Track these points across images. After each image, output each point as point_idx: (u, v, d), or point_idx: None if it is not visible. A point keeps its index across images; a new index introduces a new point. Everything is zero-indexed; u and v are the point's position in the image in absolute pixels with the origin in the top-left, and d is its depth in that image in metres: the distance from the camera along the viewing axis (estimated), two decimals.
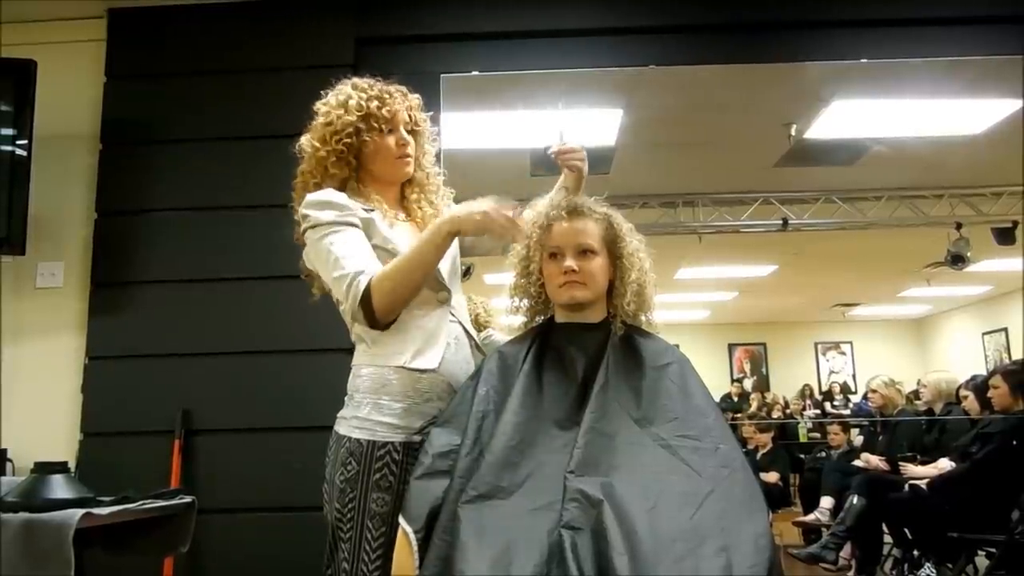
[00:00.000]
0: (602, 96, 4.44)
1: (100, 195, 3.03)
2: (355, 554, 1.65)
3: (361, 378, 1.73)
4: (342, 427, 1.72)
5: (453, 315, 1.81)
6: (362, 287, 1.63)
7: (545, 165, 1.90)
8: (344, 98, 1.80)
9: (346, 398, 1.76)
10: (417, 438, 1.69)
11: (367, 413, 1.69)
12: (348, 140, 1.77)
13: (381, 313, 1.65)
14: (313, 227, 1.71)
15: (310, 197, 1.73)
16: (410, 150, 1.85)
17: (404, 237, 1.78)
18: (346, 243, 1.68)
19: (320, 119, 1.81)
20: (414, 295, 1.71)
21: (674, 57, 3.26)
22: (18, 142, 2.82)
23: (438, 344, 1.74)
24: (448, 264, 1.82)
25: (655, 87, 4.40)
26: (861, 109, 4.77)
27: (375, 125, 1.78)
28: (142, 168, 3.05)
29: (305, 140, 1.82)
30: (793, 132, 5.07)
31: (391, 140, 1.81)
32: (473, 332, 1.87)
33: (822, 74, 4.21)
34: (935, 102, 4.65)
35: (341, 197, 1.73)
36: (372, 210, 1.77)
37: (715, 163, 5.78)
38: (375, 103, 1.79)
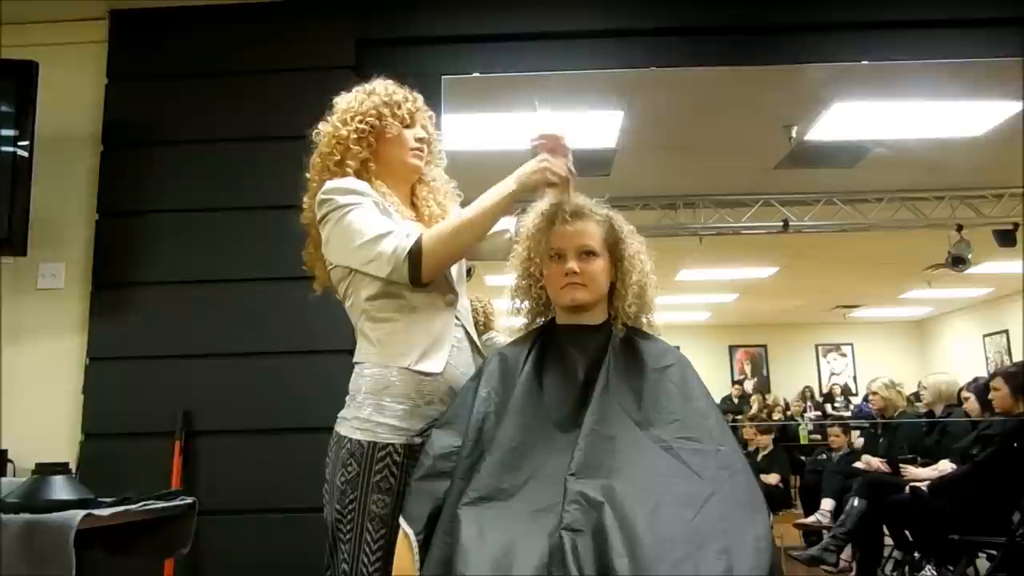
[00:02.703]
0: (603, 98, 4.44)
1: (101, 196, 3.03)
2: (355, 555, 1.65)
3: (364, 378, 1.73)
4: (343, 428, 1.72)
5: (458, 318, 1.81)
6: (411, 241, 1.63)
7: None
8: (371, 87, 1.85)
9: (347, 398, 1.76)
10: (418, 440, 1.69)
11: (368, 414, 1.69)
12: (371, 120, 1.80)
13: (429, 268, 1.65)
14: (334, 209, 1.71)
15: (330, 184, 1.74)
16: (426, 147, 1.88)
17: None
18: (371, 214, 1.69)
19: (341, 105, 1.84)
20: (463, 256, 1.75)
21: (675, 59, 3.26)
22: (20, 143, 2.82)
23: (443, 348, 1.75)
24: (455, 267, 1.83)
25: (656, 89, 4.40)
26: (862, 111, 4.77)
27: (397, 113, 1.82)
28: (143, 169, 3.05)
29: (323, 125, 1.85)
30: (794, 134, 5.07)
31: (409, 133, 1.84)
32: (475, 336, 1.88)
33: (823, 76, 4.21)
34: (936, 104, 4.65)
35: (362, 185, 1.74)
36: (389, 204, 1.78)
37: (716, 165, 5.78)
38: (399, 96, 1.84)
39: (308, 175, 1.85)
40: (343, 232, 1.70)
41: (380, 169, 1.83)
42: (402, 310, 1.73)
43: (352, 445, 1.68)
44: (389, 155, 1.83)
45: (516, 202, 1.72)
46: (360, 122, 1.79)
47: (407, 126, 1.84)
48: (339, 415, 1.75)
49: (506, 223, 2.00)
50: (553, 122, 1.82)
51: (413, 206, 1.90)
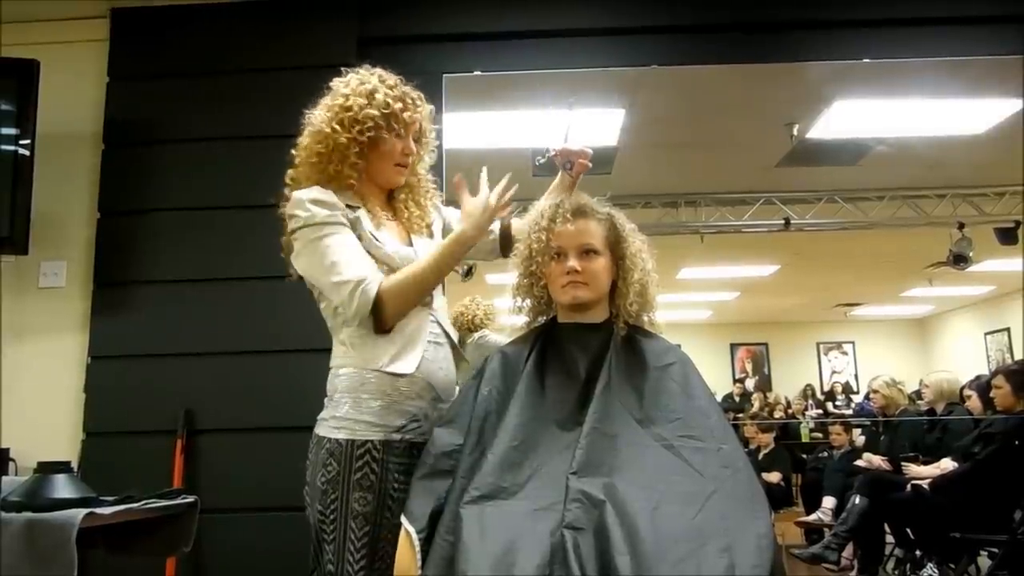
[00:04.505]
0: (604, 96, 4.44)
1: (103, 195, 3.04)
2: (340, 555, 1.64)
3: (340, 377, 1.73)
4: (321, 429, 1.72)
5: (433, 316, 1.80)
6: (372, 294, 1.64)
7: (546, 166, 1.92)
8: (371, 89, 1.77)
9: (325, 399, 1.75)
10: (397, 436, 1.68)
11: (346, 412, 1.69)
12: (370, 134, 1.75)
13: (391, 320, 1.68)
14: (306, 226, 1.70)
15: (297, 196, 1.72)
16: (410, 160, 1.84)
17: (390, 237, 1.78)
18: (344, 246, 1.69)
19: (339, 100, 1.78)
20: (419, 304, 1.74)
21: (676, 57, 3.26)
22: (21, 141, 2.82)
23: (417, 348, 1.74)
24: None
25: (657, 87, 4.40)
26: (863, 109, 4.77)
27: (394, 126, 1.77)
28: (144, 168, 3.05)
29: (322, 119, 1.78)
30: (795, 132, 5.07)
31: (399, 146, 1.80)
32: (452, 332, 1.86)
33: (824, 74, 4.20)
34: (937, 102, 4.65)
35: (330, 195, 1.72)
36: (358, 208, 1.75)
37: (717, 163, 5.78)
38: (399, 105, 1.78)
39: (296, 164, 1.81)
40: (314, 257, 1.70)
41: (363, 177, 1.81)
42: None
43: (331, 445, 1.68)
44: (375, 167, 1.81)
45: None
46: (359, 133, 1.74)
47: (399, 137, 1.80)
48: (318, 417, 1.75)
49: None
50: (580, 129, 1.84)
51: (391, 207, 1.88)
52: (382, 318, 1.67)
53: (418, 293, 1.72)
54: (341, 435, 1.67)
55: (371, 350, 1.71)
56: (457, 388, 1.83)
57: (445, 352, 1.81)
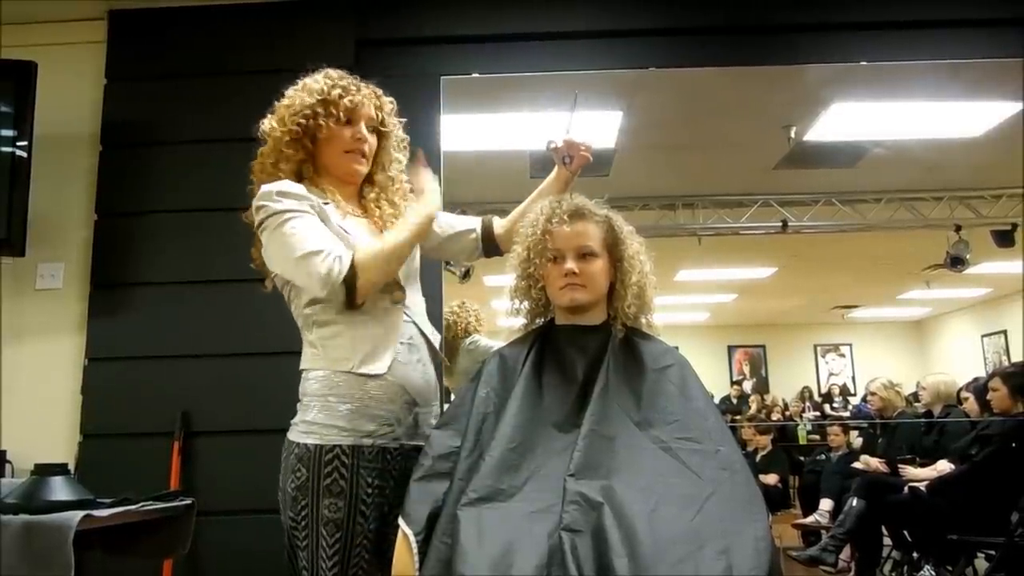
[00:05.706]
0: (602, 98, 4.44)
1: (100, 196, 3.03)
2: (312, 562, 1.63)
3: (309, 381, 1.71)
4: (292, 433, 1.71)
5: (407, 315, 1.78)
6: (346, 264, 1.60)
7: (543, 163, 1.92)
8: (309, 82, 1.79)
9: (298, 404, 1.74)
10: (367, 441, 1.66)
11: (314, 416, 1.67)
12: (303, 121, 1.73)
13: (365, 292, 1.63)
14: (270, 216, 1.66)
15: (265, 188, 1.69)
16: (366, 148, 1.80)
17: (359, 229, 1.75)
18: (309, 227, 1.65)
19: (284, 102, 1.79)
20: (392, 278, 1.72)
21: (674, 59, 3.26)
22: (18, 143, 2.82)
23: (388, 348, 1.71)
24: (404, 264, 1.79)
25: (655, 89, 4.40)
26: (861, 111, 4.77)
27: (332, 112, 1.75)
28: (142, 169, 3.05)
29: (267, 121, 1.80)
30: (793, 134, 5.07)
31: (347, 132, 1.77)
32: (431, 334, 1.84)
33: (822, 76, 4.21)
34: (935, 104, 4.65)
35: (297, 187, 1.69)
36: (327, 203, 1.73)
37: (715, 165, 5.78)
38: (337, 91, 1.76)
39: (252, 176, 1.81)
40: (278, 243, 1.65)
41: (318, 170, 1.79)
42: (343, 313, 1.68)
43: (300, 450, 1.66)
44: (324, 157, 1.79)
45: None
46: (294, 123, 1.73)
47: (347, 124, 1.77)
48: (291, 421, 1.74)
49: (471, 222, 1.99)
50: (582, 125, 1.85)
51: (360, 205, 1.85)
52: (355, 288, 1.61)
53: (391, 262, 1.67)
54: (310, 440, 1.66)
55: (340, 351, 1.68)
56: (439, 390, 1.82)
57: (421, 354, 1.79)
